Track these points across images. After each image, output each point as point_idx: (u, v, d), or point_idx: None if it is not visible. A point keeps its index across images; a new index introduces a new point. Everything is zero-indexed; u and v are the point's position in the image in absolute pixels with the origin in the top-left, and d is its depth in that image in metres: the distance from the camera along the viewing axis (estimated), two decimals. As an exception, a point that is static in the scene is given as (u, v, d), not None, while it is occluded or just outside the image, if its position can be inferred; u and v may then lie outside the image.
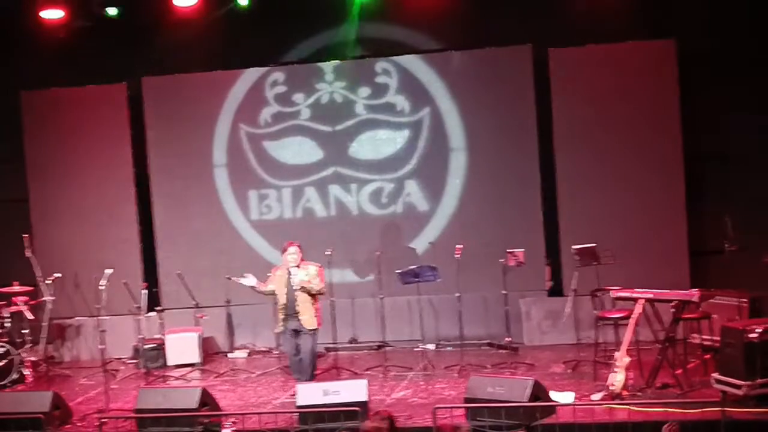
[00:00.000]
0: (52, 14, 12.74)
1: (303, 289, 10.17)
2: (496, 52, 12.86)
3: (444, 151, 13.05)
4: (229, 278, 11.15)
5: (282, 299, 10.26)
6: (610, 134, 12.43)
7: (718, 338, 9.54)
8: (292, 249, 10.33)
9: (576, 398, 9.50)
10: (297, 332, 10.29)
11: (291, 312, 10.22)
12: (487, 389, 9.00)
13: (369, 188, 13.24)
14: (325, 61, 13.19)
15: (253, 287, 10.50)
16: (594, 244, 11.06)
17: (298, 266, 10.26)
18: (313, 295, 10.27)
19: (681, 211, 12.26)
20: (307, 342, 10.25)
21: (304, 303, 10.20)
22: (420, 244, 12.98)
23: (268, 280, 10.50)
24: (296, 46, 13.39)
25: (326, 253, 11.35)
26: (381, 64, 13.13)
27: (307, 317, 10.21)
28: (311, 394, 9.29)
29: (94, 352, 12.82)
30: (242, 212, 13.45)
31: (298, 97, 13.29)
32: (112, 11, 12.82)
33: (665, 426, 7.00)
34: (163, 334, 12.49)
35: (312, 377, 10.40)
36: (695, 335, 10.81)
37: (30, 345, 12.40)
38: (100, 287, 11.07)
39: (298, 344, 10.32)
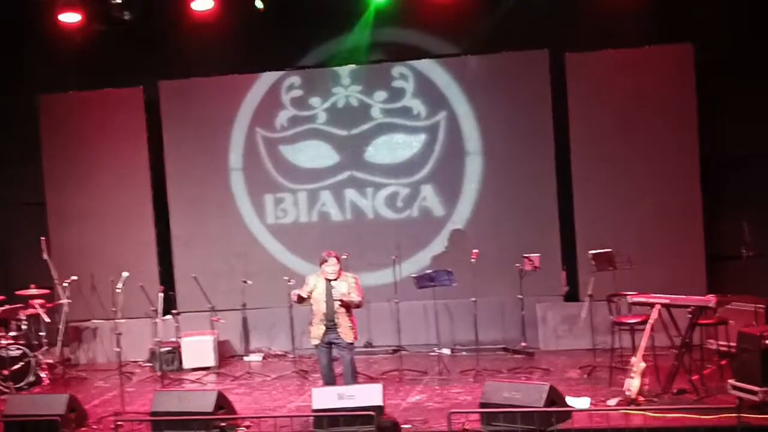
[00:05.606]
0: (69, 18, 12.77)
1: (343, 303, 9.81)
2: (512, 56, 12.85)
3: (460, 155, 13.04)
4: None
5: (322, 308, 9.89)
6: (626, 139, 12.40)
7: (735, 344, 9.49)
8: (332, 261, 9.89)
9: (592, 404, 9.48)
10: (331, 345, 9.94)
11: (330, 323, 9.87)
12: (502, 394, 8.96)
13: (385, 192, 13.25)
14: (341, 65, 13.20)
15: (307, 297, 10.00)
16: (610, 249, 11.04)
17: (336, 278, 9.90)
18: (349, 308, 9.93)
19: (698, 216, 12.22)
20: (345, 356, 9.93)
21: (341, 315, 9.84)
22: (435, 248, 13.02)
23: (304, 287, 10.05)
24: (313, 50, 13.40)
25: (342, 257, 11.33)
26: (397, 69, 13.14)
27: (345, 329, 9.85)
28: (326, 398, 9.28)
29: (110, 354, 12.87)
30: (258, 216, 13.48)
31: (314, 101, 13.31)
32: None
33: None
34: (179, 337, 12.52)
35: None
36: (712, 341, 10.77)
37: (46, 347, 12.45)
38: (116, 290, 11.14)
39: (332, 357, 10.04)
